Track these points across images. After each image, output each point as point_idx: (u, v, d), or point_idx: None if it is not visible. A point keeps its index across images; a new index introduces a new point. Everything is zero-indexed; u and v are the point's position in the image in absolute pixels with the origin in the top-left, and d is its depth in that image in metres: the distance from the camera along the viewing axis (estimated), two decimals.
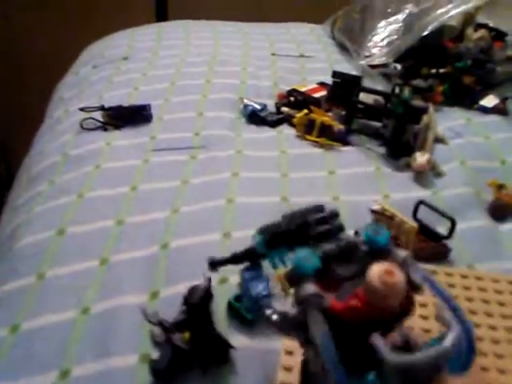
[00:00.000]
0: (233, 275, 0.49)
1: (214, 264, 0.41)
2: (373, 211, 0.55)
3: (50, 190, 0.66)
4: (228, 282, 0.49)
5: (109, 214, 0.60)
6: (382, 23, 0.95)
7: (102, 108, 0.79)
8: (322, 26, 1.29)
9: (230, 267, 0.42)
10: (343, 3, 1.36)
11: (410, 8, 0.94)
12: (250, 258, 0.39)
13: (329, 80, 0.93)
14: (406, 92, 0.72)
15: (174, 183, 0.66)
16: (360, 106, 0.77)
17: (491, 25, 1.06)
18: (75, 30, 1.54)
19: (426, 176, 0.67)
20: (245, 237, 0.54)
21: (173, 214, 0.60)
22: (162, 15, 1.52)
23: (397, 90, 0.73)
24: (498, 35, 1.04)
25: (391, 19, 0.95)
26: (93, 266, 0.53)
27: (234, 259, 0.40)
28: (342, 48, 1.13)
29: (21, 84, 1.63)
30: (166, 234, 0.56)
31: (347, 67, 1.03)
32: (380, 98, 0.79)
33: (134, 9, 1.55)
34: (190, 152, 0.72)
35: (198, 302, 0.44)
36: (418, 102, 0.71)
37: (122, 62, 1.02)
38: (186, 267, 0.52)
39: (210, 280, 0.46)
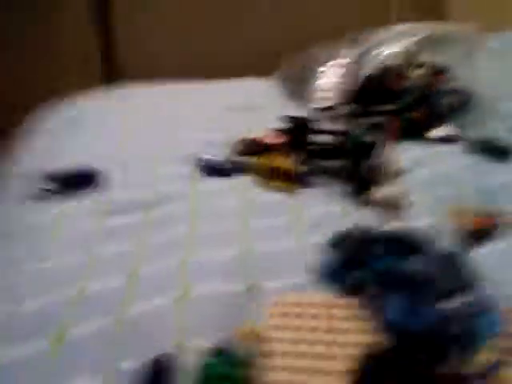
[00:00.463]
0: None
1: None
2: None
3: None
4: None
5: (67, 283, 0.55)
6: (326, 68, 0.98)
7: (53, 174, 0.76)
8: (270, 78, 1.33)
9: None
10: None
11: (350, 52, 0.97)
12: None
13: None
14: (357, 130, 0.72)
15: (130, 245, 0.62)
16: (316, 147, 0.77)
17: (431, 61, 1.11)
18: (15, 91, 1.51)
19: (389, 209, 0.66)
20: (203, 294, 0.51)
21: (130, 278, 0.56)
22: (109, 77, 1.52)
23: (349, 130, 0.73)
24: (439, 70, 1.09)
25: (333, 63, 0.98)
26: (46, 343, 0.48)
27: None
28: (291, 98, 1.16)
29: None
30: (124, 301, 0.52)
31: (297, 114, 1.05)
32: (335, 139, 0.79)
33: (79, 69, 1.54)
34: (146, 210, 0.69)
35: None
36: (367, 138, 0.71)
37: (73, 126, 0.99)
38: (146, 334, 0.47)
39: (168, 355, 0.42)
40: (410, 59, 1.04)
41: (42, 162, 0.85)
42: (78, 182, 0.76)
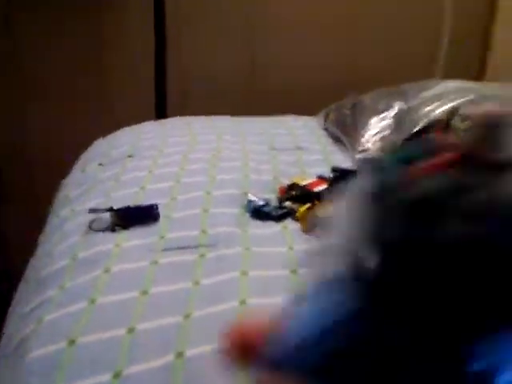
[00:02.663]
0: None
1: None
2: None
3: (60, 295, 0.66)
4: None
5: (120, 322, 0.60)
6: (374, 119, 1.01)
7: (111, 209, 0.81)
8: (314, 118, 1.37)
9: None
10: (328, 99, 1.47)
11: (398, 105, 1.01)
12: None
13: (326, 172, 0.98)
14: None
15: (184, 285, 0.66)
16: None
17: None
18: (75, 124, 1.62)
19: None
20: None
21: (185, 319, 0.60)
22: (161, 111, 1.60)
23: None
24: None
25: (381, 115, 1.02)
26: (106, 380, 0.52)
27: None
28: (336, 140, 1.20)
29: (23, 177, 1.67)
30: (179, 342, 0.56)
31: (342, 158, 1.08)
32: None
33: (135, 104, 1.64)
34: (199, 251, 0.74)
35: None
36: None
37: (127, 160, 1.06)
38: (205, 377, 0.51)
39: None
40: (453, 112, 1.07)
41: (102, 195, 0.92)
42: (136, 216, 0.81)
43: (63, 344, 0.57)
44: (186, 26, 1.59)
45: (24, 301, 0.72)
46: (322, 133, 1.26)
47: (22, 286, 0.80)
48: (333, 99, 1.59)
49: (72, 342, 0.57)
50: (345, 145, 1.14)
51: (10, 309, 0.77)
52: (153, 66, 1.52)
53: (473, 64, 1.72)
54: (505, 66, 1.57)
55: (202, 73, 1.64)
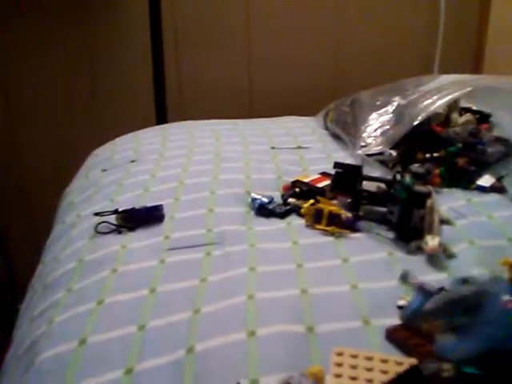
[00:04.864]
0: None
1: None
2: (399, 307, 0.57)
3: (68, 297, 0.66)
4: None
5: (130, 320, 0.60)
6: (374, 115, 1.02)
7: (116, 211, 0.82)
8: (314, 119, 1.38)
9: None
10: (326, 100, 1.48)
11: (397, 100, 1.01)
12: None
13: (329, 169, 0.98)
14: (408, 178, 0.75)
15: (192, 282, 0.66)
16: (364, 193, 0.80)
17: (474, 108, 1.14)
18: (75, 135, 1.63)
19: (438, 259, 0.69)
20: (269, 334, 0.55)
21: (194, 314, 0.60)
22: (161, 117, 1.61)
23: (398, 177, 0.77)
24: (482, 117, 1.12)
25: (381, 111, 1.02)
26: (117, 377, 0.52)
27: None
28: (337, 138, 1.20)
29: (20, 192, 1.68)
30: (189, 337, 0.56)
31: (344, 156, 1.09)
32: (382, 185, 0.82)
33: (134, 111, 1.65)
34: (205, 249, 0.74)
35: None
36: (420, 187, 0.74)
37: (130, 165, 1.06)
38: (215, 371, 0.51)
39: None
40: (453, 106, 1.08)
41: (106, 199, 0.92)
42: (141, 217, 0.81)
43: (74, 344, 0.57)
44: (183, 34, 1.60)
45: (33, 305, 0.73)
46: (323, 132, 1.27)
47: (29, 293, 0.81)
48: (330, 100, 1.61)
49: (83, 342, 0.57)
50: (345, 142, 1.15)
51: (20, 315, 0.78)
52: (151, 80, 1.52)
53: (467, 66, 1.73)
54: (501, 60, 1.58)
55: (200, 79, 1.65)
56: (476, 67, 1.72)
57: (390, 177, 0.84)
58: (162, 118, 1.59)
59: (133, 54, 1.60)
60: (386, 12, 1.66)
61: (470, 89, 0.92)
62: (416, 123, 0.92)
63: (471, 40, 1.72)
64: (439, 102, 0.92)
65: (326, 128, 1.27)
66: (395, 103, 1.01)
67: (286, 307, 0.59)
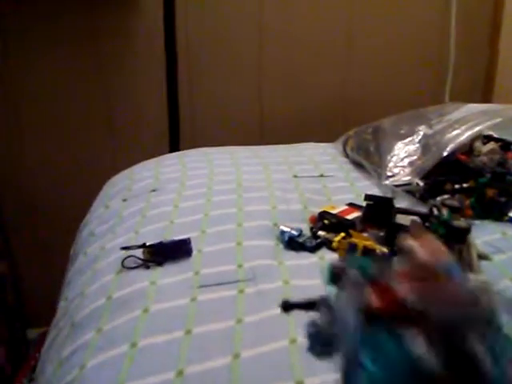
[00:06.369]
0: None
1: (287, 307, 0.40)
2: None
3: (98, 339, 0.64)
4: None
5: (167, 365, 0.57)
6: (399, 144, 1.01)
7: (143, 245, 0.80)
8: (332, 145, 1.37)
9: None
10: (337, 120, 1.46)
11: (423, 129, 1.00)
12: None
13: (353, 199, 0.97)
14: (445, 213, 0.74)
15: (228, 323, 0.64)
16: (399, 227, 0.78)
17: (495, 135, 1.13)
18: (87, 162, 1.62)
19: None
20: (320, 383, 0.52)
21: (234, 359, 0.57)
22: (174, 142, 1.60)
23: (435, 211, 0.75)
24: (505, 145, 1.10)
25: (406, 140, 1.01)
26: None
27: (309, 304, 0.39)
28: (358, 166, 1.19)
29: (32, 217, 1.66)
30: None
31: (368, 185, 1.07)
32: (417, 219, 0.80)
33: (147, 137, 1.64)
34: (237, 286, 0.72)
35: None
36: (459, 222, 0.72)
37: (151, 195, 1.04)
38: None
39: None
40: (476, 134, 1.07)
41: (130, 231, 0.90)
42: (169, 251, 0.79)
43: None
44: (197, 62, 1.60)
45: (59, 346, 0.70)
46: (343, 160, 1.26)
47: (53, 331, 0.78)
48: (341, 122, 1.60)
49: None
50: (367, 171, 1.14)
51: (42, 358, 0.75)
52: (165, 103, 1.52)
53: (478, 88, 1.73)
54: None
55: (213, 104, 1.65)
56: (485, 95, 1.72)
57: (422, 209, 0.82)
58: (175, 144, 1.58)
59: (147, 80, 1.59)
60: (397, 35, 1.67)
61: (499, 119, 0.91)
62: (445, 155, 0.91)
63: (481, 67, 1.72)
64: (468, 133, 0.91)
65: (346, 155, 1.26)
66: (421, 132, 1.00)
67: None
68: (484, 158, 1.00)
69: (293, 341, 0.59)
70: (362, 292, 0.32)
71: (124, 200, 1.05)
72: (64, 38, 1.51)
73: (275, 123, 1.69)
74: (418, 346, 0.29)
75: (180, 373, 0.56)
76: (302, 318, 0.63)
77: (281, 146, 1.39)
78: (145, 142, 1.63)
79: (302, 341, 0.58)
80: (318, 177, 1.13)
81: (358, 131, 1.22)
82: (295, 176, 1.13)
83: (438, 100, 1.63)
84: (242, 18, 1.59)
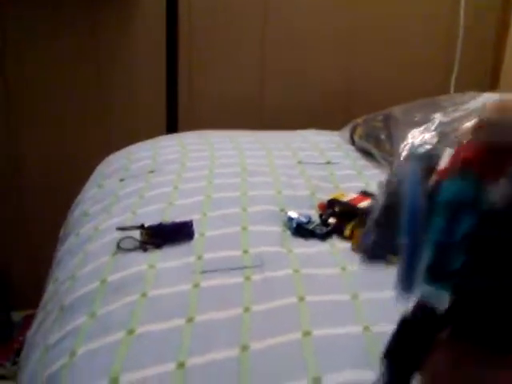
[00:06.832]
0: None
1: None
2: None
3: (91, 325, 0.58)
4: None
5: (167, 355, 0.52)
6: (414, 132, 0.96)
7: (141, 226, 0.74)
8: (337, 133, 1.32)
9: None
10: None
11: (439, 117, 0.96)
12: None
13: (361, 187, 0.92)
14: None
15: (234, 311, 0.58)
16: None
17: None
18: (82, 140, 1.55)
19: None
20: (337, 383, 0.47)
21: (243, 352, 0.52)
22: (172, 125, 1.54)
23: None
24: None
25: (421, 128, 0.96)
26: None
27: None
28: (365, 154, 1.14)
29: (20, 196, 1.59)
30: (241, 380, 0.48)
31: (377, 173, 1.03)
32: None
33: (144, 120, 1.57)
34: (243, 273, 0.66)
35: None
36: None
37: (149, 175, 0.98)
38: None
39: None
40: None
41: (127, 211, 0.84)
42: (169, 234, 0.73)
43: (103, 382, 0.49)
44: (198, 41, 1.54)
45: (46, 330, 0.64)
46: (349, 147, 1.21)
47: (40, 315, 0.72)
48: (343, 114, 1.55)
49: (115, 381, 0.49)
50: (376, 159, 1.09)
51: (28, 338, 0.69)
52: (164, 90, 1.46)
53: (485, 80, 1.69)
54: None
55: (212, 89, 1.59)
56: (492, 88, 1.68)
57: None
58: (172, 127, 1.52)
59: (146, 61, 1.52)
60: (403, 29, 1.61)
61: None
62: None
63: (488, 64, 1.68)
64: None
65: (352, 143, 1.21)
66: (437, 120, 0.95)
67: (350, 348, 0.52)
68: None
69: (306, 333, 0.54)
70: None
71: (121, 180, 0.99)
72: (65, 32, 1.44)
73: (277, 114, 1.63)
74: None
75: (181, 365, 0.51)
76: (319, 309, 0.58)
77: (283, 132, 1.33)
78: (141, 124, 1.57)
79: (317, 334, 0.54)
80: (324, 164, 1.08)
81: (367, 119, 1.17)
82: (300, 162, 1.08)
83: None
84: (245, 4, 1.53)
